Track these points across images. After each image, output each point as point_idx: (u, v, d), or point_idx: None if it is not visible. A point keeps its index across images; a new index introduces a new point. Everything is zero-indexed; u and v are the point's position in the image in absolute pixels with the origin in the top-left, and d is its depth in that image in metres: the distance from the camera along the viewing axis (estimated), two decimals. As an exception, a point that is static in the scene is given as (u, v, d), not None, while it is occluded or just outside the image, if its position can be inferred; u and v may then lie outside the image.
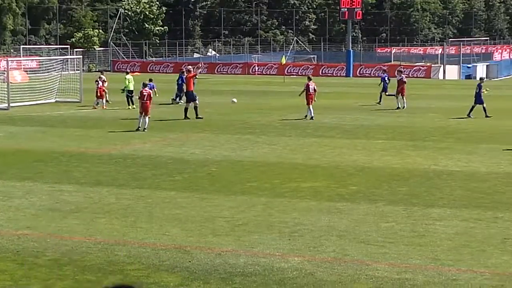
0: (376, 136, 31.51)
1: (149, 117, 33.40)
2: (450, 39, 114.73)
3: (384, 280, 12.99)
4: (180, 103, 43.55)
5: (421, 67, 76.50)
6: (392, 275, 13.22)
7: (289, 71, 76.53)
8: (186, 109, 37.69)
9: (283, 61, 74.07)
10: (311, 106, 38.05)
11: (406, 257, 14.29)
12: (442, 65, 76.35)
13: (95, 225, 16.63)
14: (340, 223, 16.86)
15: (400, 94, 42.68)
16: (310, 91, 38.29)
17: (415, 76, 73.68)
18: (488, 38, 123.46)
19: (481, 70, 76.88)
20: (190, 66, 42.63)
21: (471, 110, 38.38)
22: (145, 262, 13.97)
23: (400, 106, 42.34)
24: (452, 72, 75.99)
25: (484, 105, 38.24)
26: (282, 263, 13.88)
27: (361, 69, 78.43)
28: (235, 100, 43.27)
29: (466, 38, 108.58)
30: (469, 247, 14.91)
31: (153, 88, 38.41)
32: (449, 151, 27.41)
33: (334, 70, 79.57)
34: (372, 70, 77.64)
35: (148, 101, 33.43)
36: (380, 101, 44.95)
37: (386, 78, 45.62)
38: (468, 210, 18.09)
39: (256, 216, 17.54)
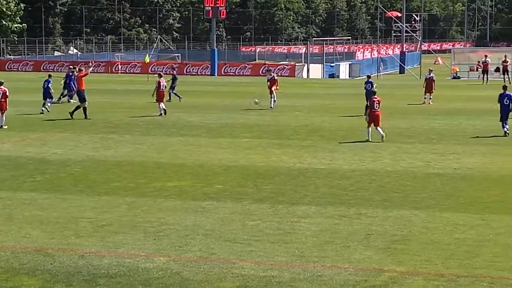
0: (241, 135, 31.59)
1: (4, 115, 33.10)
2: (314, 38, 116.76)
3: (250, 278, 12.97)
4: (71, 102, 42.95)
5: (285, 66, 77.37)
6: (258, 273, 13.21)
7: (153, 69, 75.96)
8: (77, 107, 36.97)
9: (147, 59, 73.50)
10: (162, 104, 38.64)
11: (272, 254, 14.32)
12: (306, 64, 77.44)
13: (-49, 229, 15.94)
14: (206, 222, 16.77)
15: (271, 93, 42.67)
16: (161, 88, 38.64)
17: (279, 75, 74.31)
18: (350, 37, 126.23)
19: (344, 69, 78.45)
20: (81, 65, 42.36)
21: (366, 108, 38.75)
22: (4, 266, 13.48)
23: (272, 106, 42.20)
24: (315, 71, 77.20)
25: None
26: (148, 263, 13.68)
27: (225, 67, 78.70)
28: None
29: (329, 37, 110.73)
30: (334, 244, 15.08)
31: (50, 83, 39.63)
32: (314, 149, 27.75)
33: (198, 68, 79.51)
34: (236, 69, 78.03)
35: (3, 100, 32.95)
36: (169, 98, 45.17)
37: None
38: (332, 207, 18.32)
39: (121, 216, 17.25)
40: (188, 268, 13.46)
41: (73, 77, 43.08)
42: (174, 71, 50.10)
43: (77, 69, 42.04)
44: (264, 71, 45.81)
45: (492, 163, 24.47)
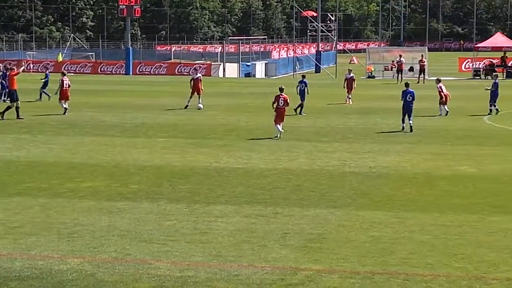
0: (157, 135, 31.35)
1: None
2: (230, 38, 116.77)
3: (166, 278, 12.86)
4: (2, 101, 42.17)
5: (201, 65, 77.14)
6: (174, 273, 13.10)
7: (66, 68, 74.82)
8: (8, 108, 36.14)
9: (60, 58, 72.49)
10: (63, 102, 38.46)
11: (188, 254, 14.22)
12: (222, 63, 77.38)
13: None
14: (121, 223, 16.56)
15: (196, 93, 42.21)
16: (64, 86, 38.28)
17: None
18: (266, 36, 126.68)
19: (260, 68, 78.64)
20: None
21: (302, 108, 38.79)
22: None
23: (201, 106, 41.78)
24: (232, 70, 77.19)
25: (304, 102, 38.91)
26: (61, 265, 13.43)
27: (140, 67, 78.07)
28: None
29: (245, 36, 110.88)
30: (250, 243, 15.04)
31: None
32: (230, 148, 27.70)
33: (113, 68, 78.71)
34: (152, 68, 77.48)
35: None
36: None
37: None
38: (249, 206, 18.29)
39: (33, 218, 16.90)
40: (103, 270, 13.26)
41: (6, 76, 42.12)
42: (47, 71, 49.85)
43: (10, 68, 41.28)
44: (191, 71, 45.30)
45: (407, 162, 24.79)
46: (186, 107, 41.33)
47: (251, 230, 16.09)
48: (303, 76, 41.66)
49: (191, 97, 41.75)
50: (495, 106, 38.77)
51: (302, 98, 39.00)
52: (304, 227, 16.31)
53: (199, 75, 43.75)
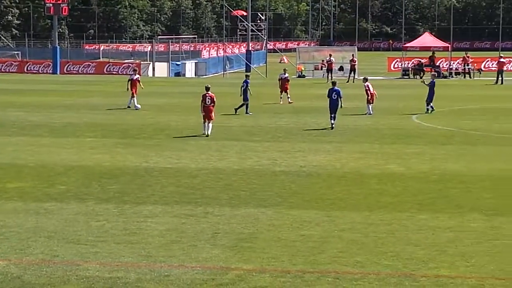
0: (85, 134, 30.99)
1: None
2: (159, 37, 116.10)
3: (96, 279, 12.68)
4: None
5: (131, 64, 76.48)
6: (104, 274, 12.93)
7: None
8: None
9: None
10: None
11: (118, 255, 14.06)
12: (151, 63, 76.89)
13: None
14: (48, 224, 16.30)
15: (133, 93, 41.67)
16: None
17: (124, 73, 73.66)
18: (196, 36, 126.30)
19: (190, 67, 78.34)
20: None
21: (245, 107, 38.59)
22: None
23: (130, 105, 41.35)
24: (161, 69, 76.71)
25: (248, 102, 38.79)
26: (-14, 269, 13.12)
27: (68, 66, 77.09)
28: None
29: (175, 35, 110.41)
30: (181, 243, 14.94)
31: None
32: (160, 148, 27.52)
33: (40, 67, 77.56)
34: (80, 67, 76.59)
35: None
36: None
37: None
38: (179, 206, 18.18)
39: (-42, 220, 16.50)
40: (30, 272, 13.02)
41: None
42: None
43: None
44: (131, 71, 44.65)
45: (337, 160, 24.92)
46: (128, 107, 41.06)
47: (182, 230, 15.99)
48: (247, 76, 41.49)
49: (131, 97, 41.35)
50: (431, 105, 39.23)
51: (245, 98, 38.87)
52: (235, 227, 16.26)
53: (137, 75, 43.22)
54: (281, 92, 45.00)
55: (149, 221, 16.73)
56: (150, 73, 75.14)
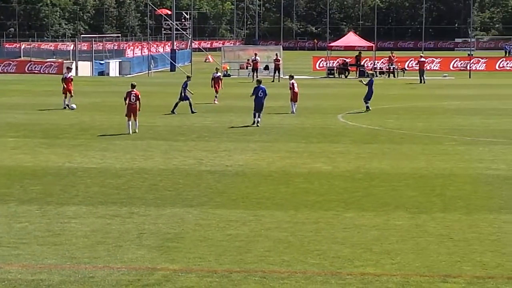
0: (7, 134, 30.45)
1: None
2: (82, 35, 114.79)
3: (18, 282, 12.47)
4: None
5: (53, 63, 75.45)
6: (26, 277, 12.71)
7: None
8: None
9: None
10: None
11: (41, 257, 13.82)
12: (74, 62, 75.88)
13: None
14: (-31, 226, 15.90)
15: (68, 93, 40.92)
16: None
17: (47, 72, 72.62)
18: (120, 35, 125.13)
19: (114, 66, 77.55)
20: None
21: (191, 105, 38.30)
22: None
23: (68, 104, 40.62)
24: (84, 68, 75.75)
25: (191, 100, 38.46)
26: None
27: (-11, 64, 75.66)
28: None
29: (98, 34, 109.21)
30: (106, 244, 14.75)
31: None
32: (84, 148, 27.17)
33: (-43, 66, 76.00)
34: (0, 66, 75.21)
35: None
36: None
37: None
38: (104, 207, 17.95)
39: None
40: None
41: None
42: None
43: None
44: (65, 70, 43.80)
45: (263, 160, 24.93)
46: (64, 107, 40.30)
47: (106, 230, 15.78)
48: (188, 77, 41.02)
49: (65, 97, 40.67)
50: (368, 103, 39.60)
51: (184, 98, 38.51)
52: (161, 227, 16.12)
53: (70, 74, 42.49)
54: (216, 92, 44.59)
55: (73, 222, 16.48)
56: (73, 72, 74.12)
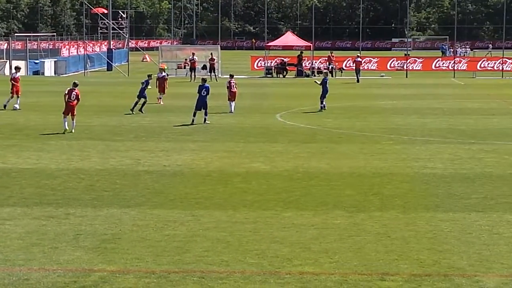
0: None
1: None
2: (16, 34, 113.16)
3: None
4: None
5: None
6: (-41, 281, 12.39)
7: None
8: None
9: None
10: None
11: (-26, 260, 13.50)
12: (8, 61, 74.75)
13: None
14: None
15: (16, 94, 40.16)
16: None
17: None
18: (55, 34, 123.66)
19: (49, 66, 76.61)
20: None
21: (135, 105, 37.78)
22: None
23: (17, 106, 39.90)
24: (19, 68, 74.68)
25: (146, 100, 38.03)
26: None
27: None
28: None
29: (33, 33, 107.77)
30: (41, 245, 14.52)
31: None
32: (18, 148, 26.75)
33: None
34: None
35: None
36: None
37: None
38: (39, 208, 17.67)
39: None
40: None
41: None
42: None
43: None
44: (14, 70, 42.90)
45: (201, 159, 24.82)
46: (4, 106, 39.58)
47: (42, 232, 15.53)
48: (149, 76, 40.49)
49: (12, 97, 39.97)
50: (324, 103, 39.76)
51: (143, 96, 38.09)
52: (98, 228, 15.92)
53: (18, 74, 41.73)
54: (159, 92, 44.13)
55: (7, 223, 16.19)
56: (7, 72, 73.00)
